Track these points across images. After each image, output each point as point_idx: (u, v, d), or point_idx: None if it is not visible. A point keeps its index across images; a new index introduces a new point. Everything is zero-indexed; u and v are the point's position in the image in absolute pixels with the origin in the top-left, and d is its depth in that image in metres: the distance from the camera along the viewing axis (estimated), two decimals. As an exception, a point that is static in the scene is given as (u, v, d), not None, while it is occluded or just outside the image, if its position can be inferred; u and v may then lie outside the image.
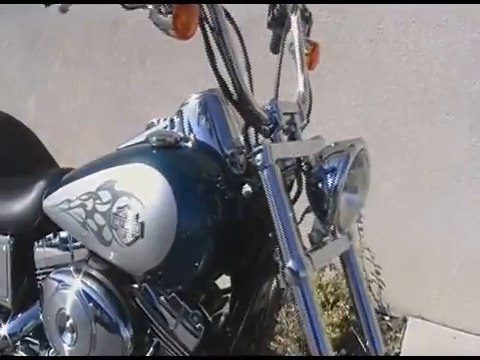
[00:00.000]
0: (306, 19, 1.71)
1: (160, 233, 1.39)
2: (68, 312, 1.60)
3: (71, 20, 3.68)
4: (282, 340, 2.93)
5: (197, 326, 1.48)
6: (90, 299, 1.56)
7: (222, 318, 1.57)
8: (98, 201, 1.50)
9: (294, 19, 1.62)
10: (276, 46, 1.75)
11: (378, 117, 2.95)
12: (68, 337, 1.62)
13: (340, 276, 2.95)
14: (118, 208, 1.44)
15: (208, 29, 1.28)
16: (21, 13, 4.09)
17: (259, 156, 1.32)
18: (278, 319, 2.98)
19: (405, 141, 2.91)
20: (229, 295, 1.62)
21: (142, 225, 1.40)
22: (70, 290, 1.61)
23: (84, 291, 1.57)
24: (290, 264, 1.29)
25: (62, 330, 1.64)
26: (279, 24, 1.65)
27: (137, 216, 1.40)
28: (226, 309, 1.59)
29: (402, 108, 2.89)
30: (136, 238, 1.41)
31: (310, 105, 1.59)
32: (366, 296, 1.57)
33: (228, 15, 1.40)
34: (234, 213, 1.44)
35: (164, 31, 1.20)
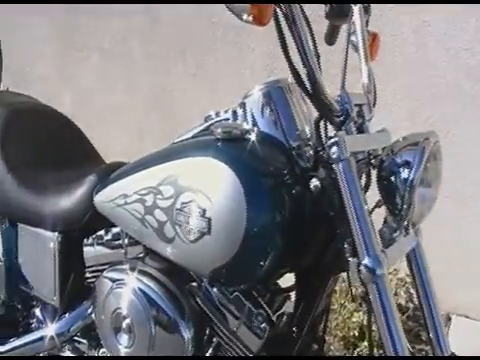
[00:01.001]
0: (366, 9, 1.67)
1: (229, 230, 1.36)
2: (125, 312, 1.58)
3: (109, 12, 3.67)
4: (325, 337, 2.89)
5: (261, 326, 1.45)
6: (148, 298, 1.53)
7: (284, 318, 1.54)
8: (159, 196, 1.46)
9: (356, 9, 1.58)
10: (331, 37, 1.73)
11: (424, 111, 2.90)
12: (124, 338, 1.60)
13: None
14: (182, 203, 1.41)
15: (281, 17, 1.25)
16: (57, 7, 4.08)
17: (334, 149, 1.29)
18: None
19: (452, 136, 2.85)
20: (290, 294, 1.60)
21: (209, 221, 1.36)
22: (126, 289, 1.58)
23: (142, 290, 1.54)
24: (366, 261, 1.27)
25: (118, 331, 1.61)
26: (338, 15, 1.60)
27: (204, 212, 1.37)
28: (288, 308, 1.57)
29: (450, 103, 2.83)
30: (202, 235, 1.38)
31: (375, 97, 1.55)
32: (433, 294, 1.53)
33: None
34: (301, 209, 1.41)
35: (238, 16, 1.17)
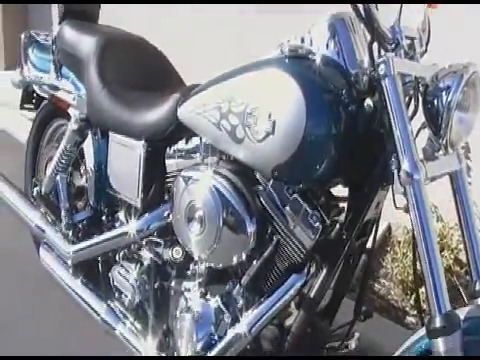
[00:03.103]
0: None
1: (289, 131, 1.67)
2: (198, 204, 1.91)
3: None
4: (386, 283, 3.15)
5: (315, 225, 1.75)
6: (220, 194, 1.85)
7: (337, 225, 1.82)
8: (233, 103, 1.79)
9: None
10: None
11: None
12: (196, 228, 1.92)
13: (446, 227, 3.14)
14: (252, 108, 1.73)
15: None
16: None
17: (382, 66, 1.57)
18: (384, 264, 3.22)
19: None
20: (343, 206, 1.87)
21: (274, 123, 1.68)
22: (201, 185, 1.92)
23: (214, 186, 1.87)
24: (406, 167, 1.54)
25: (190, 221, 1.94)
26: None
27: (270, 115, 1.68)
28: (341, 217, 1.84)
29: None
30: (267, 135, 1.70)
31: (429, 35, 1.80)
32: (473, 216, 1.77)
33: None
34: (355, 125, 1.70)
35: None
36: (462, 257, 3.10)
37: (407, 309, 3.08)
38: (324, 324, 1.99)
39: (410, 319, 3.03)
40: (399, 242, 3.32)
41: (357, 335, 2.10)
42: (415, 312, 3.04)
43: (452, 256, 3.11)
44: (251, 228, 1.82)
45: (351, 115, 1.69)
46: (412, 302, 3.07)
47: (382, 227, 3.39)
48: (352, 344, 2.11)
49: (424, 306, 2.91)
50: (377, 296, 3.10)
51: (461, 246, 3.10)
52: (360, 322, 2.07)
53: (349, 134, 1.69)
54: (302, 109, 1.64)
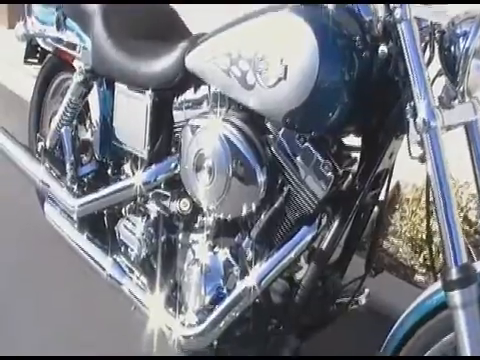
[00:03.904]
0: None
1: (302, 77, 1.60)
2: (207, 154, 1.85)
3: None
4: (395, 241, 3.10)
5: (327, 175, 1.69)
6: (229, 142, 1.79)
7: (349, 176, 1.76)
8: (244, 49, 1.72)
9: None
10: None
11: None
12: (205, 178, 1.86)
13: (456, 185, 3.07)
14: (264, 53, 1.66)
15: None
16: None
17: (398, 10, 1.50)
18: (392, 221, 3.16)
19: None
20: (356, 157, 1.81)
21: (286, 68, 1.61)
22: (210, 134, 1.85)
23: (224, 135, 1.80)
24: (422, 114, 1.47)
25: (199, 170, 1.88)
26: None
27: (282, 60, 1.61)
28: (354, 167, 1.78)
29: None
30: (279, 80, 1.63)
31: None
32: None
33: None
34: (369, 72, 1.63)
35: None
36: (471, 217, 3.07)
37: (416, 267, 3.03)
38: (335, 278, 1.94)
39: (419, 277, 2.98)
40: (408, 200, 3.25)
41: (367, 291, 2.07)
42: (424, 270, 3.00)
43: (461, 214, 3.04)
44: (261, 178, 1.76)
45: (365, 62, 1.62)
46: (421, 260, 3.02)
47: (391, 184, 3.34)
48: (362, 300, 2.08)
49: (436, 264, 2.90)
50: (386, 254, 3.04)
51: (471, 205, 3.07)
52: (371, 278, 2.02)
53: (363, 81, 1.62)
54: (315, 54, 1.57)
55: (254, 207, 1.79)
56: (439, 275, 1.50)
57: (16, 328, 2.49)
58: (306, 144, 1.71)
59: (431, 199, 1.54)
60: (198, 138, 1.87)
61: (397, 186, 3.41)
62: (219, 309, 1.89)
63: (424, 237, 3.03)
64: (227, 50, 1.77)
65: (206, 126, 1.87)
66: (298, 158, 1.73)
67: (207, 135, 1.85)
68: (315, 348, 2.15)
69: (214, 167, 1.82)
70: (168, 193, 2.14)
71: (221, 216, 1.89)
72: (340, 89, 1.61)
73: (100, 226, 2.44)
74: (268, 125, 1.79)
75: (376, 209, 1.91)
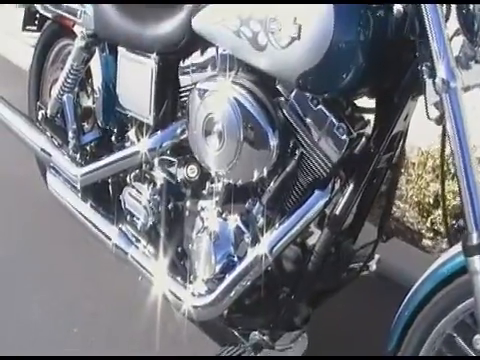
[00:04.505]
0: None
1: (316, 36, 1.53)
2: (216, 117, 1.78)
3: None
4: (401, 205, 3.07)
5: (342, 138, 1.63)
6: (240, 105, 1.72)
7: (363, 139, 1.69)
8: (255, 8, 1.64)
9: None
10: None
11: None
12: (214, 142, 1.79)
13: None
14: (276, 13, 1.58)
15: None
16: None
17: None
18: (398, 186, 3.11)
19: None
20: (369, 119, 1.75)
21: (299, 28, 1.54)
22: (219, 97, 1.78)
23: (234, 97, 1.73)
24: (442, 74, 1.41)
25: (208, 134, 1.81)
26: None
27: (295, 19, 1.54)
28: (368, 130, 1.71)
29: None
30: (292, 40, 1.56)
31: None
32: None
33: None
34: (384, 31, 1.56)
35: None
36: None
37: (423, 231, 2.99)
38: (347, 244, 1.89)
39: (426, 242, 2.95)
40: (413, 164, 3.22)
41: (377, 257, 2.03)
42: (431, 235, 2.97)
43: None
44: (273, 141, 1.69)
45: (379, 21, 1.54)
46: (428, 224, 2.98)
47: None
48: (373, 266, 2.04)
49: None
50: (392, 218, 3.00)
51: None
52: (382, 243, 1.98)
53: (377, 41, 1.55)
54: (330, 12, 1.50)
55: (265, 172, 1.73)
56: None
57: (20, 297, 2.46)
58: (319, 106, 1.65)
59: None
60: (207, 102, 1.80)
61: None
62: (230, 278, 1.84)
63: (431, 201, 3.00)
64: (237, 10, 1.69)
65: (215, 89, 1.80)
66: (311, 121, 1.67)
67: (216, 98, 1.78)
68: (325, 316, 2.11)
69: (224, 131, 1.75)
70: (174, 159, 2.07)
71: (231, 182, 1.83)
72: (355, 49, 1.54)
73: (104, 195, 2.39)
74: (279, 87, 1.72)
75: (389, 173, 1.84)
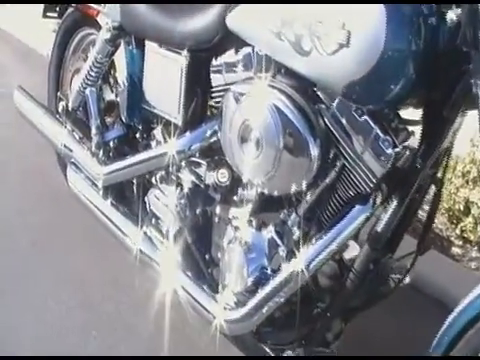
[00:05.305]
0: None
1: (367, 44, 1.42)
2: (254, 123, 1.67)
3: None
4: (430, 211, 2.97)
5: (388, 152, 1.52)
6: (280, 112, 1.62)
7: (407, 152, 1.58)
8: (299, 9, 1.53)
9: None
10: None
11: None
12: (251, 150, 1.69)
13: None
14: (323, 16, 1.47)
15: None
16: None
17: None
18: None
19: None
20: (414, 130, 1.63)
21: (349, 34, 1.43)
22: (258, 102, 1.67)
23: (274, 104, 1.63)
24: None
25: (244, 142, 1.71)
26: None
27: (344, 24, 1.42)
28: (412, 143, 1.60)
29: None
30: (341, 47, 1.44)
31: None
32: None
33: None
34: (436, 40, 1.45)
35: None
36: None
37: (452, 239, 2.89)
38: (386, 259, 1.80)
39: (455, 250, 2.85)
40: (443, 167, 3.11)
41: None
42: (461, 243, 2.88)
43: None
44: (314, 151, 1.59)
45: (432, 29, 1.43)
46: (458, 232, 2.89)
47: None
48: (406, 279, 1.93)
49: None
50: (420, 224, 2.90)
51: None
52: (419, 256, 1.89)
53: (429, 50, 1.44)
54: (382, 19, 1.39)
55: (304, 184, 1.63)
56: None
57: (38, 297, 2.40)
58: (364, 117, 1.54)
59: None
60: (243, 106, 1.70)
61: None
62: (263, 293, 1.75)
63: (461, 208, 2.90)
64: (279, 10, 1.58)
65: (252, 93, 1.70)
66: (355, 131, 1.56)
67: (254, 103, 1.68)
68: (357, 329, 2.02)
69: (262, 139, 1.65)
70: (204, 162, 1.98)
71: (266, 191, 1.73)
72: (406, 59, 1.43)
73: (127, 194, 2.30)
74: (320, 93, 1.62)
75: (434, 188, 1.75)
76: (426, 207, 1.89)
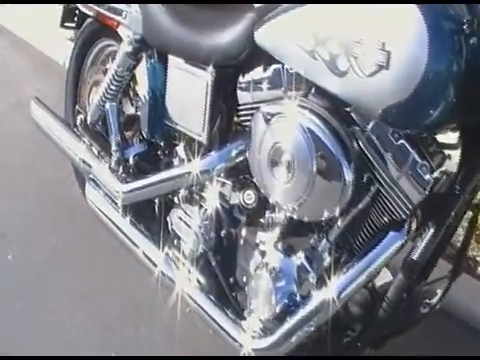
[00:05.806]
0: None
1: (408, 66, 1.34)
2: (286, 146, 1.61)
3: None
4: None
5: (426, 178, 1.46)
6: (312, 133, 1.55)
7: (444, 177, 1.51)
8: (335, 27, 1.46)
9: None
10: None
11: None
12: (282, 173, 1.63)
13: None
14: (361, 35, 1.39)
15: None
16: None
17: None
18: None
19: None
20: (450, 154, 1.55)
21: (388, 55, 1.35)
22: (288, 123, 1.61)
23: (307, 126, 1.56)
24: None
25: (275, 165, 1.65)
26: None
27: (384, 45, 1.35)
28: (449, 167, 1.53)
29: None
30: (380, 68, 1.37)
31: None
32: None
33: None
34: (477, 61, 1.36)
35: None
36: None
37: (479, 259, 2.80)
38: (419, 287, 1.73)
39: (482, 271, 2.77)
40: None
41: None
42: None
43: None
44: (349, 176, 1.52)
45: (473, 49, 1.35)
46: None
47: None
48: (437, 305, 1.87)
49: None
50: (452, 247, 2.83)
51: None
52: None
53: (470, 72, 1.36)
54: (424, 40, 1.31)
55: (338, 210, 1.56)
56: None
57: (56, 317, 2.36)
58: (401, 141, 1.47)
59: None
60: (274, 128, 1.64)
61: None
62: (292, 321, 1.69)
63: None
64: (312, 27, 1.51)
65: (283, 114, 1.63)
66: (391, 156, 1.50)
67: (285, 125, 1.61)
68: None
69: (294, 163, 1.59)
70: (229, 182, 1.92)
71: (296, 216, 1.67)
72: (447, 81, 1.35)
73: (148, 213, 2.24)
74: (353, 115, 1.55)
75: (470, 213, 1.68)
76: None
